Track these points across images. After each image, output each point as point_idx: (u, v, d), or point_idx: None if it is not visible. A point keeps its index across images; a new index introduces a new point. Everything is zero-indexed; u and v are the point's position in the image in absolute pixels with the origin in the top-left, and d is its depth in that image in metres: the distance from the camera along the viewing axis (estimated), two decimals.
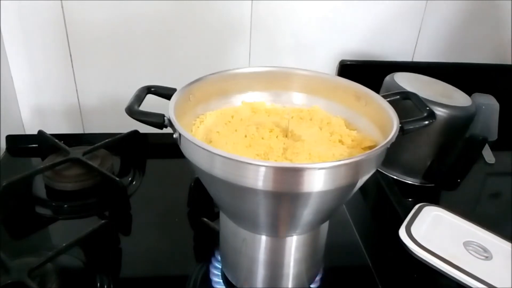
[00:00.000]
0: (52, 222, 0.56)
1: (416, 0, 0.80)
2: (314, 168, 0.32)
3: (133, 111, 0.35)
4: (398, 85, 0.64)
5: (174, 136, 0.35)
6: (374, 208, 0.64)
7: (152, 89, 0.40)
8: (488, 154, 0.73)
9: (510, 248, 0.51)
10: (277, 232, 0.39)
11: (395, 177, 0.66)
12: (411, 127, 0.36)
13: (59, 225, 0.56)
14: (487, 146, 0.75)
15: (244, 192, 0.33)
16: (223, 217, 0.42)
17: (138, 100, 0.37)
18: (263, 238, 0.39)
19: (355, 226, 0.59)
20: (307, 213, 0.35)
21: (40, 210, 0.58)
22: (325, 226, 0.41)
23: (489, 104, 0.78)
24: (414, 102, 0.39)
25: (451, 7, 0.82)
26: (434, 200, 0.59)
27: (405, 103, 0.41)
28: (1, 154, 0.68)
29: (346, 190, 0.35)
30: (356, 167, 0.33)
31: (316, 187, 0.32)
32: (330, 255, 0.51)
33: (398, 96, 0.41)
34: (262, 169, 0.31)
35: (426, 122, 0.36)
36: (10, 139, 0.68)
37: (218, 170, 0.33)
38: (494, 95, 0.79)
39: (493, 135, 0.79)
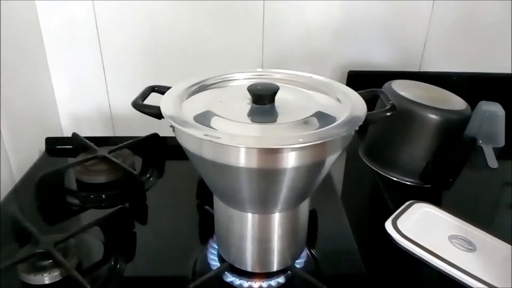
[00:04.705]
0: (80, 210, 0.65)
1: (421, 11, 0.84)
2: (287, 148, 0.37)
3: (137, 104, 0.43)
4: (394, 91, 0.69)
5: (170, 126, 0.42)
6: (370, 206, 0.67)
7: (156, 88, 0.47)
8: (491, 159, 0.75)
9: (494, 242, 0.53)
10: (261, 208, 0.44)
11: (394, 179, 0.69)
12: (374, 117, 0.41)
13: (85, 212, 0.64)
14: (491, 151, 0.77)
15: (229, 170, 0.39)
16: (215, 199, 0.48)
17: (142, 96, 0.45)
18: (249, 216, 0.45)
19: (350, 222, 0.63)
20: (285, 190, 0.41)
21: (70, 199, 0.66)
22: (304, 206, 0.47)
23: (495, 111, 0.80)
24: (381, 97, 0.44)
25: (455, 19, 0.85)
26: (433, 200, 0.61)
27: None
28: (41, 154, 0.79)
29: (316, 167, 0.40)
30: (323, 147, 0.38)
31: (290, 164, 0.38)
32: (320, 243, 0.56)
33: (369, 93, 0.46)
34: (243, 150, 0.37)
35: (388, 114, 0.41)
36: (49, 141, 0.79)
37: (206, 152, 0.39)
38: (501, 104, 0.81)
39: (500, 142, 0.80)
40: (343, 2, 0.83)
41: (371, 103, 0.45)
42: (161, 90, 0.47)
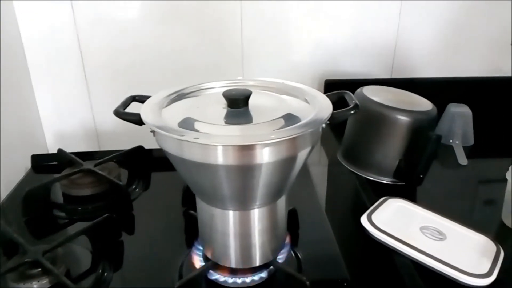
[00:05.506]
0: (67, 223, 0.66)
1: (388, 24, 0.90)
2: (261, 145, 0.40)
3: (119, 112, 0.46)
4: (365, 96, 0.73)
5: (150, 131, 0.45)
6: (348, 205, 0.70)
7: (137, 98, 0.50)
8: (461, 157, 0.79)
9: (462, 230, 0.57)
10: (240, 205, 0.47)
11: (371, 178, 0.72)
12: (339, 115, 0.44)
13: (73, 225, 0.65)
14: (461, 149, 0.81)
15: (208, 169, 0.42)
16: (198, 200, 0.50)
17: (123, 105, 0.47)
18: (230, 213, 0.47)
19: (330, 220, 0.65)
20: (262, 185, 0.43)
21: (57, 212, 0.68)
22: (281, 202, 0.49)
23: (463, 112, 0.84)
24: (346, 98, 0.48)
25: (421, 32, 0.91)
26: (407, 196, 0.64)
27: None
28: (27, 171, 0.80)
29: (289, 162, 0.43)
30: (293, 143, 0.41)
31: (264, 159, 0.41)
32: (301, 242, 0.59)
33: (336, 95, 0.49)
34: (220, 148, 0.40)
35: (352, 112, 0.45)
36: (34, 158, 0.80)
37: (186, 153, 0.42)
38: (468, 105, 0.86)
39: (470, 141, 0.85)
40: (318, 17, 0.88)
41: (340, 104, 0.48)
42: (142, 99, 0.49)
